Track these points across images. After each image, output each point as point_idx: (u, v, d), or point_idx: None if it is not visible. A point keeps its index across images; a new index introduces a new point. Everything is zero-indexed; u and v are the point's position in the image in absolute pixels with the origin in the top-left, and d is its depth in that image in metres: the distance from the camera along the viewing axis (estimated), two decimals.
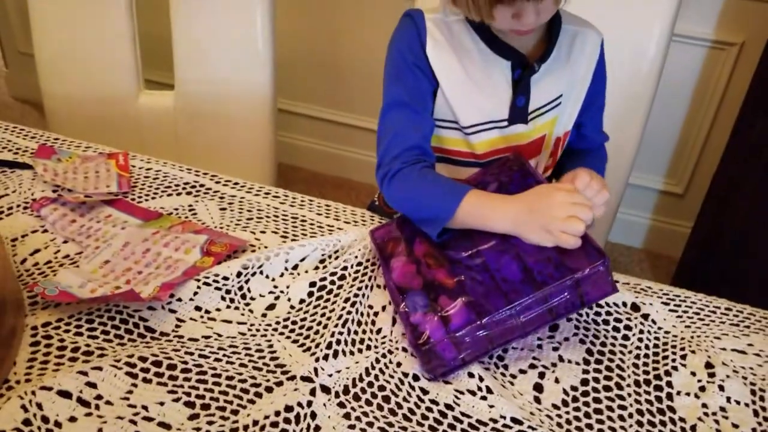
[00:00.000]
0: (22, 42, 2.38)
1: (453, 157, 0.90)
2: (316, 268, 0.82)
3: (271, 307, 0.76)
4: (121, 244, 0.81)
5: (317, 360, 0.68)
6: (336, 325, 0.72)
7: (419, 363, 0.69)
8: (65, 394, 0.62)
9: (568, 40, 0.87)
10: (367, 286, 0.78)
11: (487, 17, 0.75)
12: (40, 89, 1.35)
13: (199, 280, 0.76)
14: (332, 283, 0.79)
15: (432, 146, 0.86)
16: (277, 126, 1.36)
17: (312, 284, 0.79)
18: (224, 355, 0.68)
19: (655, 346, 0.75)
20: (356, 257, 0.82)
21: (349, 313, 0.73)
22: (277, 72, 1.31)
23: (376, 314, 0.75)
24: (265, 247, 0.85)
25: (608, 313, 0.78)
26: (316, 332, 0.73)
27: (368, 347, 0.71)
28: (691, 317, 0.79)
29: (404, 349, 0.71)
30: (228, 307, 0.75)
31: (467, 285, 0.70)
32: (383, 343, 0.72)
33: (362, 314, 0.74)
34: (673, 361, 0.72)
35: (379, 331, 0.74)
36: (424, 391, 0.67)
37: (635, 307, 0.79)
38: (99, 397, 0.62)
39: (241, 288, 0.77)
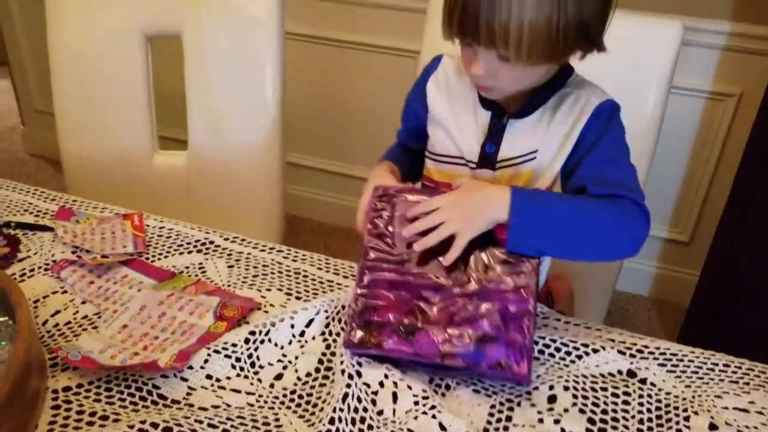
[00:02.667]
0: (39, 100, 2.46)
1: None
2: (323, 333, 0.83)
3: (279, 376, 0.78)
4: (137, 308, 0.84)
5: None
6: (337, 401, 0.72)
7: None
8: None
9: (557, 101, 0.89)
10: (359, 362, 0.77)
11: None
12: (54, 146, 1.40)
13: (209, 348, 0.78)
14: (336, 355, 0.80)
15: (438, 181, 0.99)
16: (285, 182, 1.40)
17: (320, 361, 0.79)
18: (232, 426, 0.69)
19: (657, 409, 0.75)
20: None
21: (348, 386, 0.73)
22: (285, 129, 1.36)
23: (375, 393, 0.74)
24: (271, 305, 0.88)
25: (605, 381, 0.78)
26: (321, 409, 0.73)
27: (370, 427, 0.71)
28: (690, 376, 0.80)
29: (410, 431, 0.71)
30: (238, 375, 0.77)
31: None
32: (386, 424, 0.71)
33: (361, 389, 0.74)
34: (677, 423, 0.73)
35: (380, 412, 0.72)
36: None
37: (631, 374, 0.80)
38: None
39: (250, 356, 0.79)
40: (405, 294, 0.79)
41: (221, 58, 1.31)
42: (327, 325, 0.84)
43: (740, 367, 0.81)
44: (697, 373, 0.81)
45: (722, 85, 1.70)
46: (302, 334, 0.83)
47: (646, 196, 1.29)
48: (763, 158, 1.49)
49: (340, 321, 0.85)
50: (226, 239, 1.03)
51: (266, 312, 0.87)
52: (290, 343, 0.81)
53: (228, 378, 0.76)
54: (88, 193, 1.18)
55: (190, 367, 0.76)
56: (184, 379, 0.75)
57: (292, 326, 0.82)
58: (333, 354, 0.81)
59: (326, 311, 0.85)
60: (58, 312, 0.85)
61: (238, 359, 0.78)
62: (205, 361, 0.77)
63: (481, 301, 0.77)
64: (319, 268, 0.97)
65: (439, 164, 0.98)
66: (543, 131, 0.89)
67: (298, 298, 0.91)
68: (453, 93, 0.95)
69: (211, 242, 1.02)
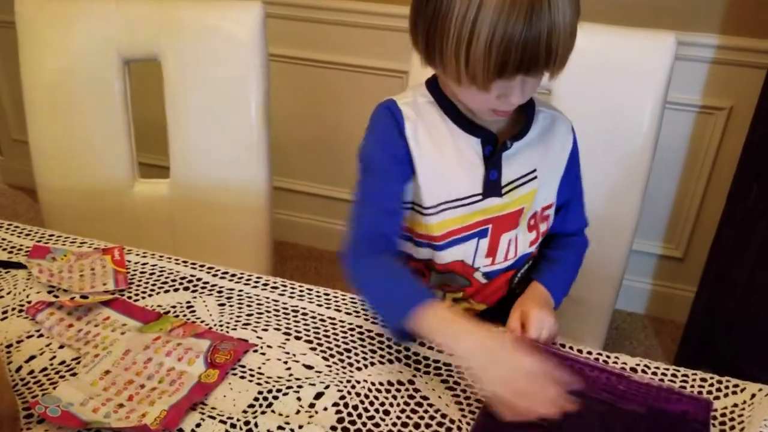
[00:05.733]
0: (16, 129, 2.41)
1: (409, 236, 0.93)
2: (336, 405, 0.75)
3: None
4: (121, 352, 0.78)
5: None
6: None
7: None
8: None
9: (543, 122, 0.91)
10: None
11: (482, 87, 0.76)
12: (33, 177, 1.34)
13: (203, 413, 0.71)
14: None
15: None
16: (272, 209, 1.35)
17: None
18: None
19: None
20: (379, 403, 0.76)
21: None
22: (272, 153, 1.31)
23: None
24: (269, 347, 0.82)
25: None
26: None
27: None
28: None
29: None
30: None
31: None
32: None
33: None
34: None
35: None
36: None
37: None
38: None
39: (247, 422, 0.71)
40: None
41: (202, 81, 1.26)
42: (342, 397, 0.76)
43: None
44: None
45: (712, 99, 1.69)
46: (311, 405, 0.75)
47: (642, 212, 1.27)
48: (757, 172, 1.48)
49: (357, 395, 0.76)
50: (215, 275, 0.97)
51: (263, 354, 0.82)
52: (297, 412, 0.74)
53: None
54: (66, 225, 1.12)
55: (180, 430, 0.70)
56: None
57: (299, 399, 0.75)
58: (346, 429, 0.72)
59: (337, 385, 0.77)
60: (33, 357, 0.80)
61: (233, 425, 0.71)
62: (197, 425, 0.70)
63: None
64: (319, 305, 0.92)
65: (437, 216, 0.88)
66: (537, 149, 0.90)
67: (297, 338, 0.85)
68: (431, 132, 0.87)
69: (199, 279, 0.96)
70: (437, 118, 0.87)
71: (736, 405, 0.76)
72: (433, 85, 0.88)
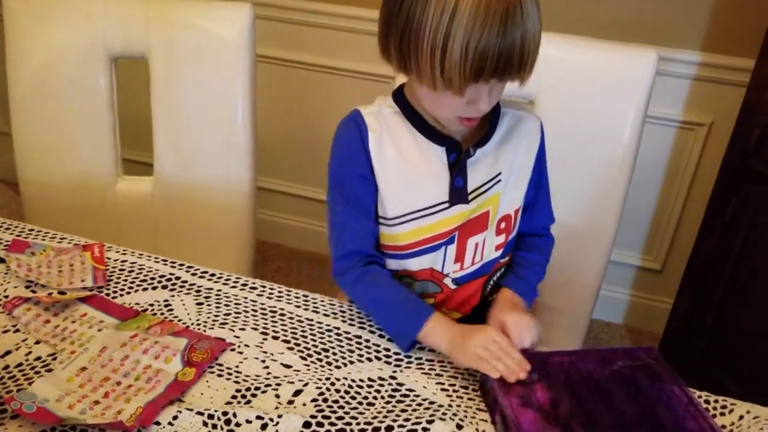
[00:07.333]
0: None
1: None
2: (315, 400, 0.75)
3: None
4: (98, 349, 0.78)
5: None
6: None
7: None
8: None
9: (508, 122, 0.92)
10: None
11: (457, 92, 0.77)
12: (15, 171, 1.34)
13: (180, 409, 0.71)
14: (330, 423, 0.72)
15: None
16: (256, 209, 1.35)
17: (307, 424, 0.72)
18: None
19: None
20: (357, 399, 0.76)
21: None
22: (257, 154, 1.32)
23: None
24: (246, 345, 0.82)
25: None
26: None
27: None
28: None
29: None
30: None
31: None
32: None
33: None
34: None
35: None
36: None
37: None
38: None
39: (225, 413, 0.71)
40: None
41: (189, 80, 1.26)
42: (321, 393, 0.77)
43: None
44: None
45: (693, 115, 1.72)
46: (290, 402, 0.75)
47: (621, 223, 1.29)
48: (735, 187, 1.50)
49: (338, 391, 0.77)
50: (194, 274, 0.97)
51: (240, 353, 0.82)
52: (276, 408, 0.74)
53: None
54: (47, 220, 1.11)
55: (157, 423, 0.70)
56: None
57: (277, 396, 0.75)
58: (326, 417, 0.73)
59: (316, 382, 0.78)
60: (8, 353, 0.79)
61: (211, 416, 0.71)
62: (174, 418, 0.70)
63: None
64: (297, 306, 0.92)
65: (403, 226, 0.90)
66: (502, 152, 0.91)
67: (275, 338, 0.86)
68: (396, 142, 0.87)
69: (178, 278, 0.96)
70: (402, 128, 0.88)
71: (724, 426, 0.76)
72: (399, 95, 0.89)
